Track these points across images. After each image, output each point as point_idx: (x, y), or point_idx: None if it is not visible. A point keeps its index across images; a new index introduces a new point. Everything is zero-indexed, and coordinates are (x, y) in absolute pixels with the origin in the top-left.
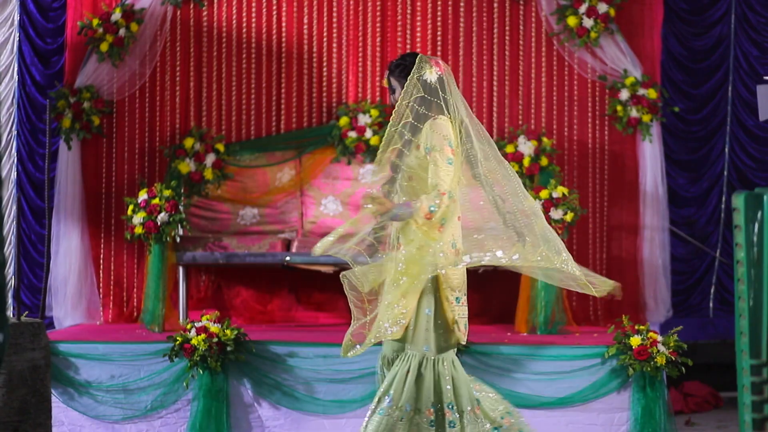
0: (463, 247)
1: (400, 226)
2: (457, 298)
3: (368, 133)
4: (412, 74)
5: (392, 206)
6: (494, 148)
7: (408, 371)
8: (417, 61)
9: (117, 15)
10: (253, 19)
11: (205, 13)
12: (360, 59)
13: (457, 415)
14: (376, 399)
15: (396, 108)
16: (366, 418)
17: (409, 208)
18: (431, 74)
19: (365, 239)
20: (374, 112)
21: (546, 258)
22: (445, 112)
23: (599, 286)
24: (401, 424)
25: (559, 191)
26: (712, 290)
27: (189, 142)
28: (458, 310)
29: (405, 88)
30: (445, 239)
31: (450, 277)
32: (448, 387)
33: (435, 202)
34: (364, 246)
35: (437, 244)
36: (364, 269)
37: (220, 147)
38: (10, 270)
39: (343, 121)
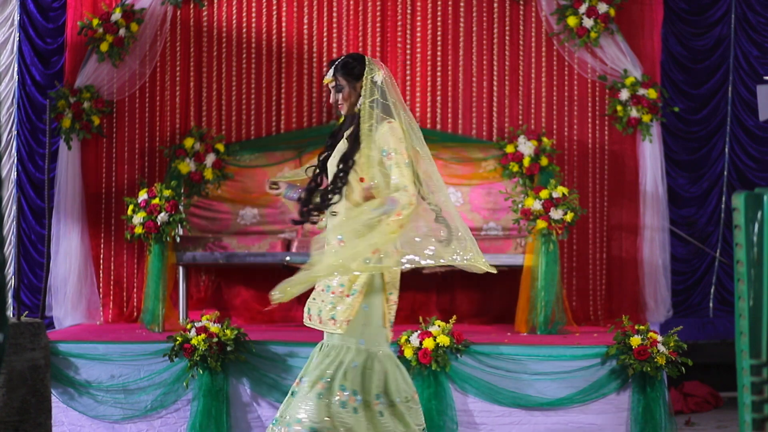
0: (402, 248)
1: (340, 222)
2: (390, 294)
3: None
4: (365, 75)
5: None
6: (426, 148)
7: (358, 362)
8: (367, 62)
9: (117, 15)
10: (253, 19)
11: (205, 13)
12: None
13: (386, 406)
14: (311, 382)
15: (362, 108)
16: (299, 400)
17: (394, 205)
18: (379, 77)
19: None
20: None
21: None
22: (393, 114)
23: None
24: (345, 412)
25: (559, 191)
26: (712, 290)
27: (189, 142)
28: (393, 309)
29: (364, 89)
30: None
31: (394, 276)
32: (383, 379)
33: (407, 202)
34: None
35: (390, 244)
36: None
37: (220, 147)
38: (10, 270)
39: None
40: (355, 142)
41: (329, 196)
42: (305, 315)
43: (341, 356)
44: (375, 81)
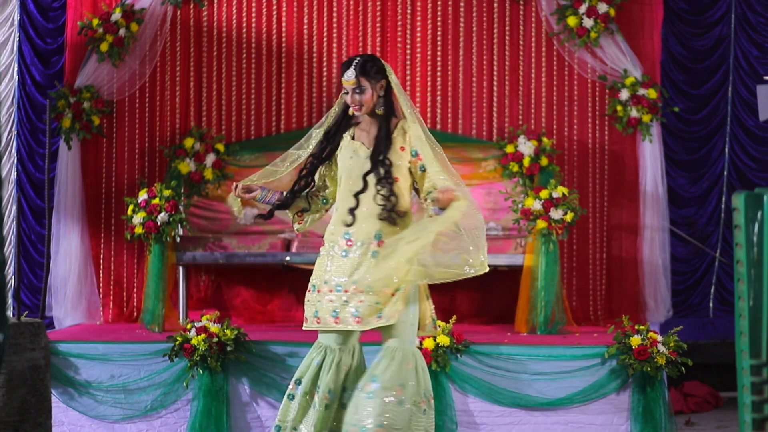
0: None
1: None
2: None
3: None
4: (389, 76)
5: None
6: (440, 147)
7: (414, 364)
8: (384, 64)
9: (117, 15)
10: (253, 19)
11: (205, 13)
12: None
13: (428, 401)
14: (385, 387)
15: (403, 109)
16: (375, 405)
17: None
18: (394, 77)
19: None
20: None
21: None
22: (414, 113)
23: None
24: (410, 415)
25: (559, 191)
26: (712, 290)
27: (189, 142)
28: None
29: (397, 90)
30: None
31: None
32: (424, 377)
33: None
34: None
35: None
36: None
37: (220, 147)
38: (10, 270)
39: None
40: (386, 143)
41: (389, 197)
42: (329, 319)
43: (408, 358)
44: (395, 82)
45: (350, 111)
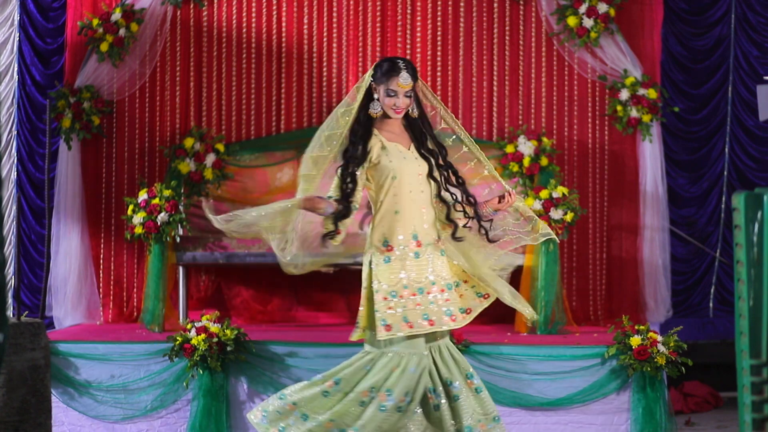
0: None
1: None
2: None
3: None
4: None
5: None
6: None
7: None
8: None
9: (117, 15)
10: (253, 19)
11: (205, 13)
12: (360, 59)
13: None
14: (479, 382)
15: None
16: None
17: None
18: None
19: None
20: None
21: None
22: None
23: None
24: None
25: (559, 191)
26: (712, 290)
27: (189, 142)
28: None
29: (427, 91)
30: None
31: None
32: None
33: None
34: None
35: None
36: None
37: (220, 147)
38: (10, 270)
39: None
40: (441, 146)
41: (469, 199)
42: (423, 323)
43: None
44: (423, 84)
45: (377, 113)
